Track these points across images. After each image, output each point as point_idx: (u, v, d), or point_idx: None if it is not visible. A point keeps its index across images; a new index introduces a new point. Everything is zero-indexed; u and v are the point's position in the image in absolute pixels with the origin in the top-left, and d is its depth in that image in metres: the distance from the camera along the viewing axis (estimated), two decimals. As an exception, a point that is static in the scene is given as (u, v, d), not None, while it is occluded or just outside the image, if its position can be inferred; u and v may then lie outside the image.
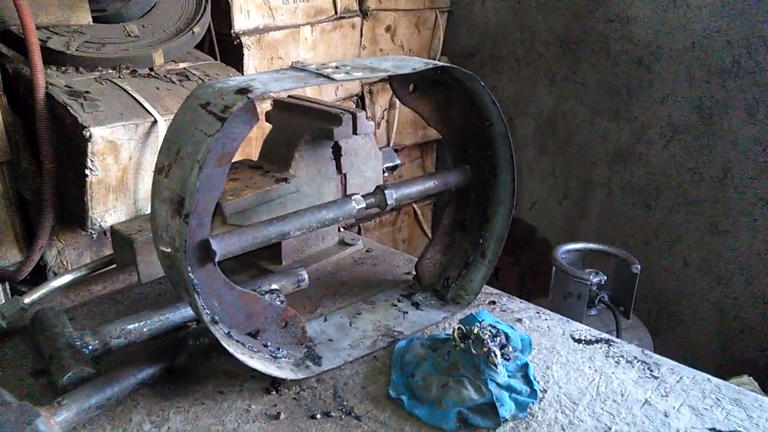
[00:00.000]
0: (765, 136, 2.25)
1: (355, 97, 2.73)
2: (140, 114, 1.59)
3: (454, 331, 1.08)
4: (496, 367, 1.03)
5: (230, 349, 1.02)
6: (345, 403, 1.05)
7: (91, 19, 1.83)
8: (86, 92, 1.56)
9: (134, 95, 1.63)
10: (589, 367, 1.14)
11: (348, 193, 1.43)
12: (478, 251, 1.37)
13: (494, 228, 1.35)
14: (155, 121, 1.59)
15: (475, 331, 1.06)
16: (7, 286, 1.67)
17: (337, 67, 1.08)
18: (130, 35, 1.83)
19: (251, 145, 1.85)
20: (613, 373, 1.12)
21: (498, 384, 1.02)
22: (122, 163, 1.57)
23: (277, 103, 1.53)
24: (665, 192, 2.55)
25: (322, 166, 1.44)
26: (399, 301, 1.36)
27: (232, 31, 2.14)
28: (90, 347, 1.10)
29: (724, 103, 2.31)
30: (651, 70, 2.48)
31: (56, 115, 1.54)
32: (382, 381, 1.10)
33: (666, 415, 1.01)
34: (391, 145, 2.90)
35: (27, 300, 1.25)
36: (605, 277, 2.04)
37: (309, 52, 2.42)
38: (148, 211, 1.19)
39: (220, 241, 1.01)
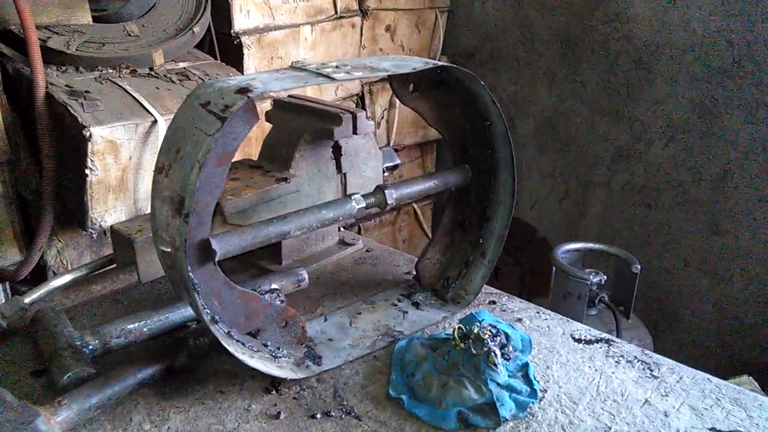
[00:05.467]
0: (765, 136, 2.25)
1: (355, 97, 2.72)
2: (140, 114, 1.59)
3: (454, 331, 1.08)
4: (497, 367, 1.03)
5: (230, 349, 1.02)
6: (345, 403, 1.05)
7: (91, 19, 1.83)
8: (86, 92, 1.56)
9: (134, 95, 1.63)
10: (589, 366, 1.14)
11: (348, 192, 1.43)
12: (478, 251, 1.36)
13: (494, 228, 1.35)
14: (155, 121, 1.59)
15: (475, 331, 1.06)
16: (7, 286, 1.67)
17: (337, 67, 1.08)
18: (130, 35, 1.83)
19: (251, 145, 1.85)
20: (613, 372, 1.12)
21: (498, 384, 1.02)
22: (122, 163, 1.57)
23: (277, 103, 1.53)
24: (665, 192, 2.55)
25: (322, 165, 1.44)
26: (399, 300, 1.36)
27: (232, 31, 2.14)
28: (90, 347, 1.10)
29: (724, 103, 2.31)
30: (651, 70, 2.48)
31: (56, 114, 1.54)
32: (382, 381, 1.10)
33: (666, 415, 1.01)
34: (391, 144, 2.90)
35: (27, 300, 1.25)
36: (605, 277, 2.04)
37: (309, 51, 2.42)
38: (148, 210, 1.19)
39: (221, 240, 1.01)
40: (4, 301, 1.57)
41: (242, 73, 2.10)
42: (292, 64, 2.32)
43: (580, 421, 1.00)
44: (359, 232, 2.75)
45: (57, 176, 1.57)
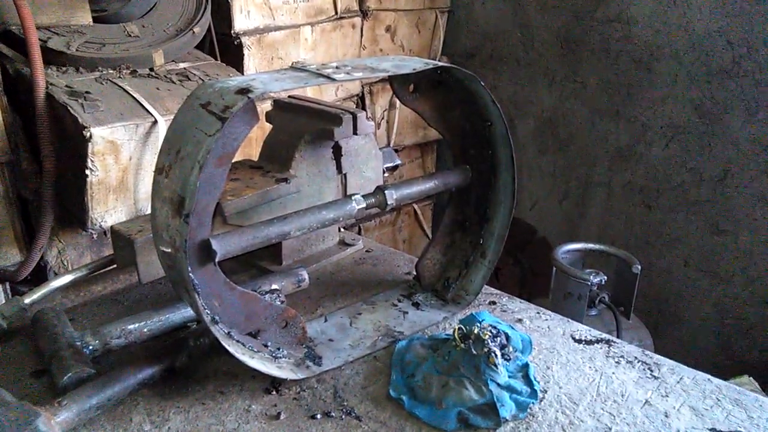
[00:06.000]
0: (765, 136, 2.25)
1: (356, 98, 2.73)
2: (140, 114, 1.59)
3: (454, 332, 1.08)
4: (497, 368, 1.03)
5: (230, 349, 1.02)
6: (345, 403, 1.05)
7: (91, 19, 1.83)
8: (86, 92, 1.56)
9: (134, 95, 1.63)
10: (590, 367, 1.14)
11: (348, 193, 1.43)
12: (478, 251, 1.36)
13: (494, 228, 1.35)
14: (155, 122, 1.59)
15: (476, 332, 1.06)
16: (8, 287, 1.67)
17: (337, 67, 1.08)
18: (130, 35, 1.83)
19: (252, 146, 1.85)
20: (613, 373, 1.12)
21: (498, 384, 1.02)
22: (122, 164, 1.57)
23: (278, 104, 1.53)
24: (665, 192, 2.55)
25: (323, 166, 1.44)
26: (399, 301, 1.36)
27: (232, 32, 2.14)
28: (90, 347, 1.10)
29: (724, 103, 2.31)
30: (651, 70, 2.48)
31: (56, 115, 1.54)
32: (383, 381, 1.10)
33: (666, 416, 1.01)
34: (391, 145, 2.90)
35: (27, 300, 1.25)
36: (605, 278, 2.04)
37: (309, 52, 2.42)
38: (149, 211, 1.19)
39: (221, 241, 1.01)
40: (4, 301, 1.57)
41: (242, 74, 2.10)
42: (292, 64, 2.32)
43: (580, 421, 1.00)
44: (359, 233, 2.75)
45: (57, 177, 1.57)
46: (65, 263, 1.73)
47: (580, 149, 2.81)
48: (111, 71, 1.71)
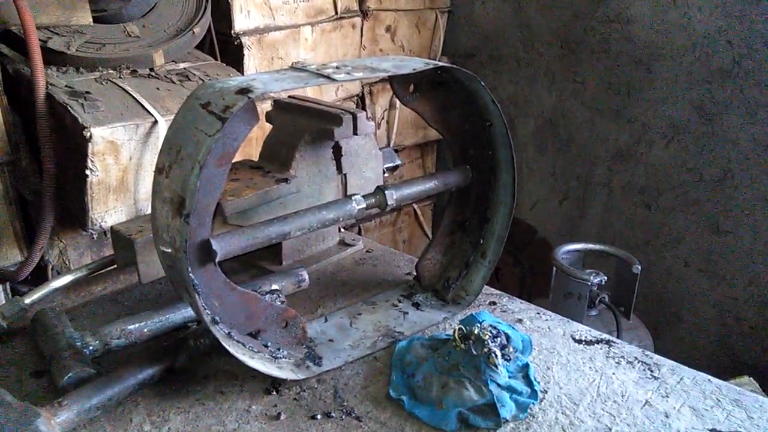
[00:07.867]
0: (765, 136, 2.25)
1: (356, 98, 2.73)
2: (140, 114, 1.59)
3: (454, 332, 1.08)
4: (497, 368, 1.03)
5: (231, 350, 1.02)
6: (345, 404, 1.05)
7: (91, 20, 1.83)
8: (86, 92, 1.56)
9: (134, 95, 1.63)
10: (590, 367, 1.14)
11: (348, 193, 1.43)
12: (478, 252, 1.36)
13: (494, 228, 1.35)
14: (155, 122, 1.59)
15: (476, 332, 1.06)
16: (8, 287, 1.67)
17: (337, 68, 1.08)
18: (130, 35, 1.83)
19: (252, 146, 1.85)
20: (613, 373, 1.12)
21: (498, 384, 1.02)
22: (122, 164, 1.57)
23: (278, 104, 1.53)
24: (665, 192, 2.55)
25: (323, 166, 1.44)
26: (399, 301, 1.36)
27: (232, 32, 2.14)
28: (90, 348, 1.10)
29: (724, 103, 2.31)
30: (651, 70, 2.48)
31: (56, 115, 1.54)
32: (383, 381, 1.10)
33: (666, 416, 1.01)
34: (391, 145, 2.90)
35: (27, 300, 1.25)
36: (605, 278, 2.04)
37: (309, 52, 2.42)
38: (149, 211, 1.19)
39: (221, 241, 1.01)
40: (4, 301, 1.57)
41: (242, 74, 2.10)
42: (292, 64, 2.32)
43: (580, 422, 1.00)
44: (359, 233, 2.75)
45: (57, 177, 1.57)
46: (65, 263, 1.73)
47: (580, 149, 2.81)
48: (111, 71, 1.71)
